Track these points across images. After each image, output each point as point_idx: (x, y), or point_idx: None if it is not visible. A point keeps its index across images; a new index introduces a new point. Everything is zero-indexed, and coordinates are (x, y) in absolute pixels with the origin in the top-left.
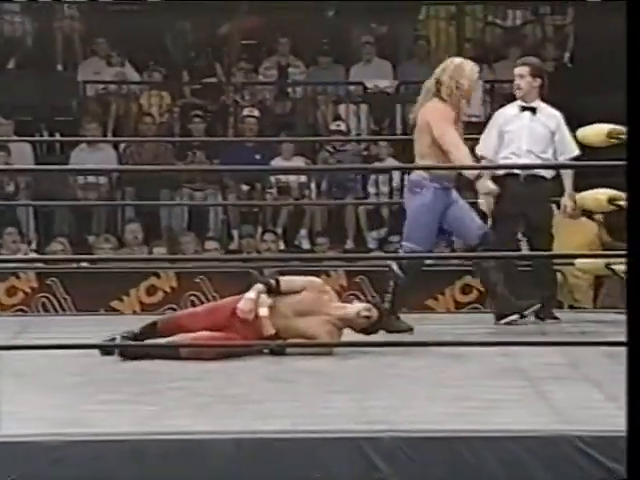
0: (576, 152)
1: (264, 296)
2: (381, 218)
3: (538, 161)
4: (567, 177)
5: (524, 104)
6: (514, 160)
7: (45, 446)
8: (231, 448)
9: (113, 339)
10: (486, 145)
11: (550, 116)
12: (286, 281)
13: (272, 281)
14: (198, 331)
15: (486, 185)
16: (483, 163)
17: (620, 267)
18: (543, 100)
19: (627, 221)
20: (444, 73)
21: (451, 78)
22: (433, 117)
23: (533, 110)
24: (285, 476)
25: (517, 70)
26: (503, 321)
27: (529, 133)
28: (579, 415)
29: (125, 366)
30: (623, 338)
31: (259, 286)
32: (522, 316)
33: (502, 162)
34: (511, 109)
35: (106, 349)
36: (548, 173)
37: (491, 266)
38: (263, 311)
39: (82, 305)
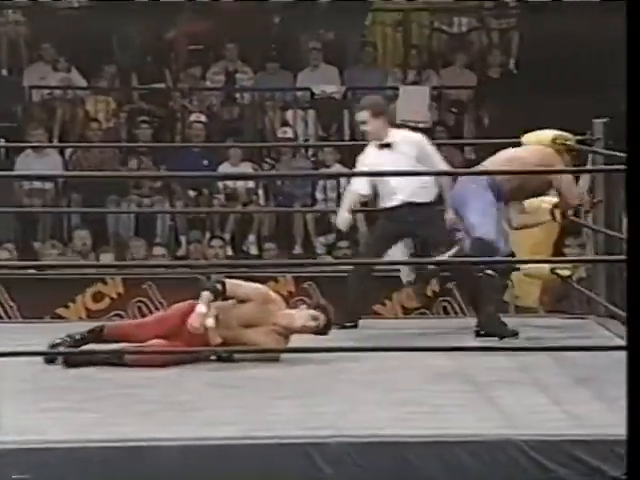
0: (440, 167)
1: (212, 307)
2: (329, 224)
3: (420, 191)
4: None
5: (380, 143)
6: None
7: None
8: (177, 455)
9: (55, 345)
10: (364, 185)
11: (410, 143)
12: (232, 284)
13: (218, 286)
14: (147, 341)
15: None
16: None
17: (565, 272)
18: None
19: (627, 221)
20: None
21: None
22: None
23: (389, 146)
24: None
25: (359, 117)
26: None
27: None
28: (525, 419)
29: (69, 374)
30: (569, 343)
31: (207, 295)
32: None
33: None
34: (370, 151)
35: (50, 357)
36: (428, 198)
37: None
38: (209, 322)
39: (28, 312)
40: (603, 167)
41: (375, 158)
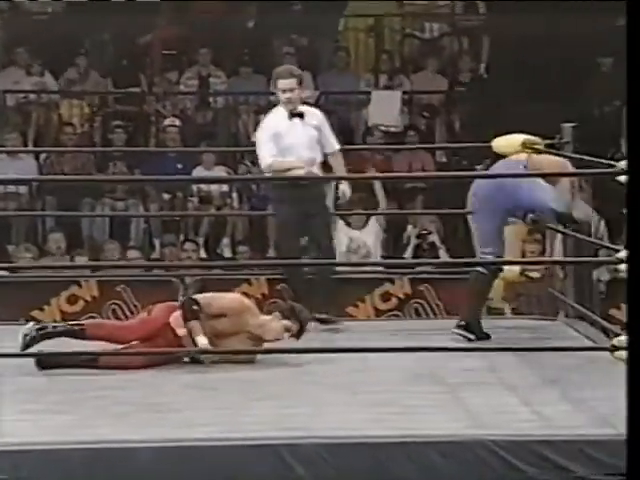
0: (337, 147)
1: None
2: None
3: (316, 166)
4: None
5: (292, 111)
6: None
7: None
8: (153, 456)
9: (29, 335)
10: (272, 154)
11: (314, 115)
12: (205, 301)
13: (194, 307)
14: (127, 342)
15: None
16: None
17: (534, 274)
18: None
19: (627, 222)
20: None
21: None
22: None
23: (301, 115)
24: None
25: (284, 84)
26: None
27: (307, 141)
28: (494, 420)
29: (45, 376)
30: (538, 344)
31: (196, 324)
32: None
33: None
34: (280, 118)
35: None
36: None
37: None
38: (181, 332)
39: (2, 314)
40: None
41: (288, 126)
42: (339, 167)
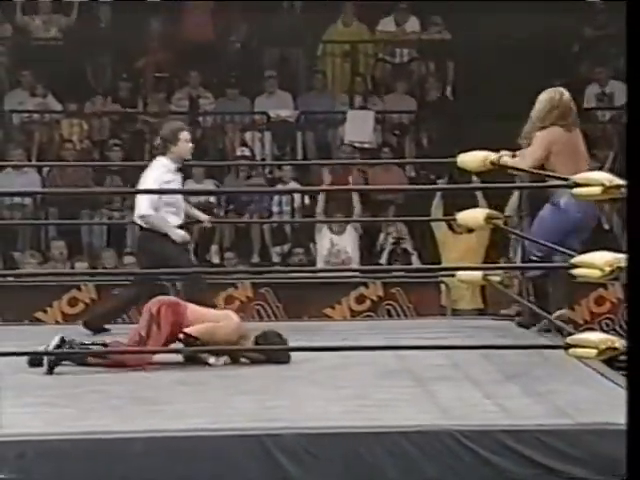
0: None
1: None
2: (284, 235)
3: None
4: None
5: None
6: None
7: None
8: (144, 446)
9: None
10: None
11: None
12: (202, 334)
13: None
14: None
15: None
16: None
17: (495, 278)
18: None
19: (627, 223)
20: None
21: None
22: None
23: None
24: (194, 471)
25: (186, 135)
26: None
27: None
28: (460, 411)
29: (45, 372)
30: (499, 342)
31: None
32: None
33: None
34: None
35: (34, 360)
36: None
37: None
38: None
39: (8, 316)
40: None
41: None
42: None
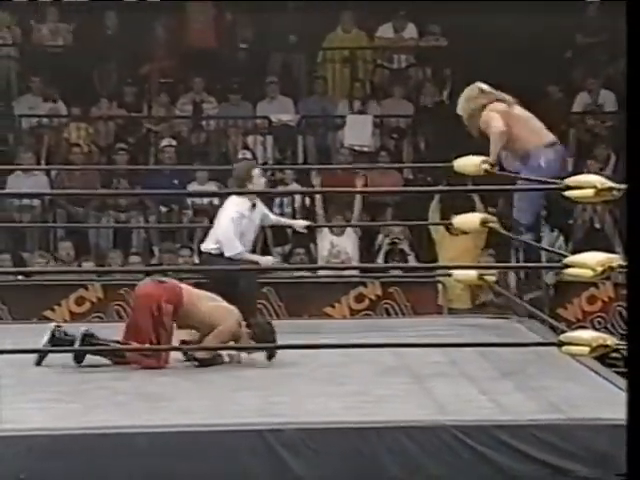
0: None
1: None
2: (285, 235)
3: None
4: None
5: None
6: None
7: None
8: (148, 441)
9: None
10: None
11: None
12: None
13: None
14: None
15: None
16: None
17: (490, 278)
18: None
19: (627, 226)
20: None
21: None
22: None
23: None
24: (198, 465)
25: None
26: None
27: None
28: (456, 407)
29: (54, 369)
30: (494, 340)
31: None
32: None
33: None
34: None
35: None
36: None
37: None
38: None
39: (17, 314)
40: (527, 186)
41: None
42: None
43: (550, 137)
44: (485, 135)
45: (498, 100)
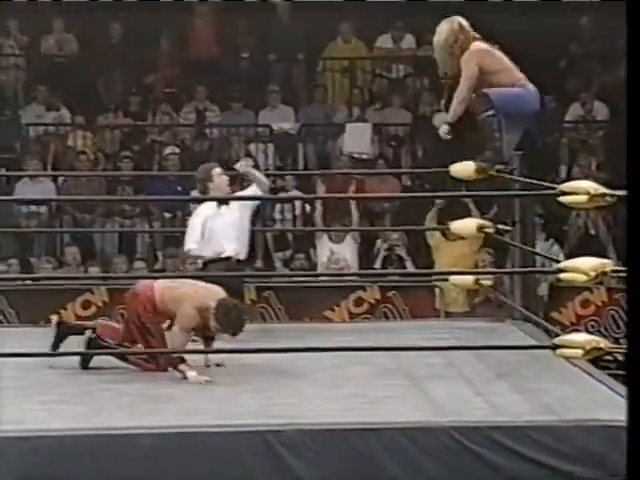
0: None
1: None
2: (286, 241)
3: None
4: None
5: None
6: (225, 244)
7: None
8: (152, 442)
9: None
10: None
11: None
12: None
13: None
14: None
15: None
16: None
17: (487, 282)
18: None
19: (627, 228)
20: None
21: None
22: None
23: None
24: (200, 465)
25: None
26: None
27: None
28: (453, 408)
29: (61, 371)
30: (490, 342)
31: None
32: None
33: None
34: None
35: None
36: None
37: None
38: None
39: (25, 318)
40: (524, 192)
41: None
42: None
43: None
44: (457, 77)
45: (475, 39)
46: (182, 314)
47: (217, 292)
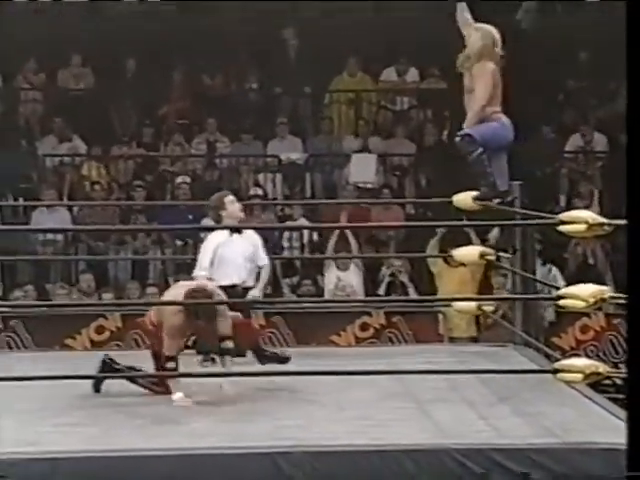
0: (266, 260)
1: None
2: (294, 267)
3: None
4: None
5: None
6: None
7: (5, 463)
8: (164, 463)
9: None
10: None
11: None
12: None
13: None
14: None
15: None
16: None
17: (489, 308)
18: None
19: (627, 241)
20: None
21: None
22: None
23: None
24: None
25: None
26: None
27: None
28: (456, 431)
29: (75, 394)
30: (493, 367)
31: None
32: None
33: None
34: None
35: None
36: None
37: None
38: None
39: (41, 343)
40: (525, 221)
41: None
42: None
43: None
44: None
45: (494, 60)
46: (165, 318)
47: (189, 286)
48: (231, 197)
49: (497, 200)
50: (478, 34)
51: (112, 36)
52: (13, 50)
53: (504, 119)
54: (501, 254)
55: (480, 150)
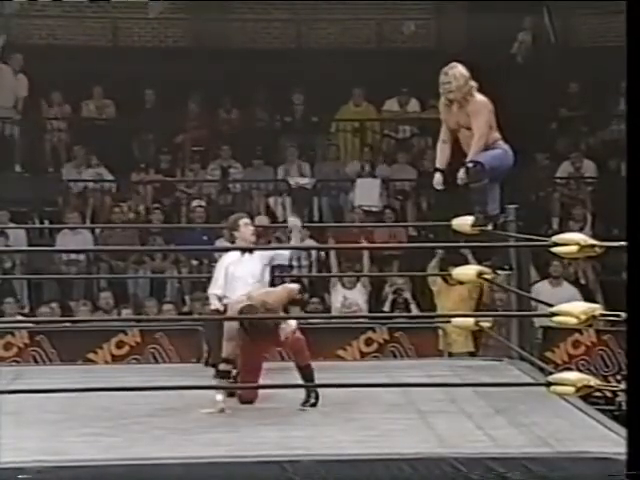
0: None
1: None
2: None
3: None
4: None
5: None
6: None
7: (33, 470)
8: (182, 471)
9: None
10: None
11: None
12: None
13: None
14: None
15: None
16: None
17: (486, 324)
18: None
19: (627, 250)
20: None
21: None
22: None
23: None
24: None
25: (251, 230)
26: None
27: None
28: (455, 441)
29: (98, 405)
30: (489, 380)
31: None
32: None
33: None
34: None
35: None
36: None
37: None
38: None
39: (65, 357)
40: (517, 243)
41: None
42: None
43: None
44: (459, 120)
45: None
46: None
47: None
48: (246, 220)
49: (491, 225)
50: (454, 71)
51: (132, 70)
52: (42, 83)
53: (506, 146)
54: (499, 271)
55: (487, 179)
